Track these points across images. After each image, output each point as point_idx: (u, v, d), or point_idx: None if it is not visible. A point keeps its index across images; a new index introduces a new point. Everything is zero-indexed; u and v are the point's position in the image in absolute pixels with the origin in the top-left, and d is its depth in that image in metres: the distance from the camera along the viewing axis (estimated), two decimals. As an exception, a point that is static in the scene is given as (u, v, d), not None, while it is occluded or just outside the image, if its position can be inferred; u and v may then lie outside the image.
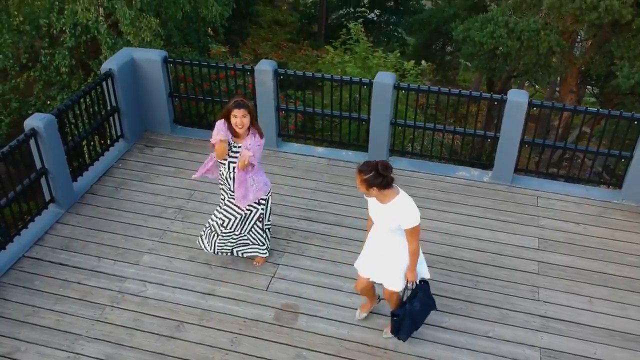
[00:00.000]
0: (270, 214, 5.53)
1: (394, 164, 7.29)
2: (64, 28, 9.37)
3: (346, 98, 8.14)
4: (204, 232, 5.53)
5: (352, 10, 25.52)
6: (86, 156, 7.12)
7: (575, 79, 15.61)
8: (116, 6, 8.98)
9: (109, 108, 7.27)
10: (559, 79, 18.88)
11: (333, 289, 5.46)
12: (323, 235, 6.17)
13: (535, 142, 6.88)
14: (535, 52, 12.68)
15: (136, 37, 9.06)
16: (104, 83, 7.07)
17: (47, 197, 6.31)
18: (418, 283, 4.62)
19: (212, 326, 5.08)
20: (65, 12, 9.19)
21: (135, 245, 5.97)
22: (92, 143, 7.19)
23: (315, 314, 5.21)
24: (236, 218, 5.32)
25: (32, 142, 5.89)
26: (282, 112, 7.57)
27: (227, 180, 5.19)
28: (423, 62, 13.59)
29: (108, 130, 7.47)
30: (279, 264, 5.77)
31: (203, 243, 5.57)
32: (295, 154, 7.54)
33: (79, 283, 5.50)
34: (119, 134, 7.52)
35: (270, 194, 5.42)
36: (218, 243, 5.49)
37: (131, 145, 7.60)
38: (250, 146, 4.99)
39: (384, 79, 6.81)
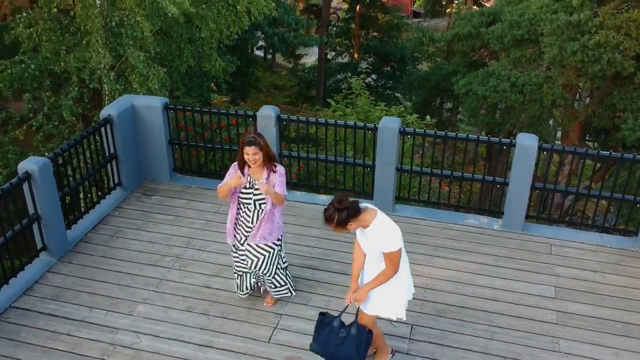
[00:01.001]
0: (284, 252, 5.50)
1: (401, 212, 7.12)
2: (70, 75, 9.30)
3: (350, 144, 7.96)
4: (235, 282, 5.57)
5: (350, 74, 25.93)
6: (82, 204, 6.87)
7: (577, 134, 15.56)
8: (128, 51, 8.94)
9: (107, 155, 7.09)
10: (560, 134, 18.89)
11: (339, 341, 5.10)
12: (328, 284, 5.86)
13: (546, 188, 6.65)
14: (538, 105, 12.65)
15: (143, 86, 8.99)
16: (102, 129, 6.92)
17: (39, 245, 6.03)
18: (364, 312, 4.35)
19: (209, 381, 4.71)
20: (73, 56, 9.15)
21: (129, 295, 5.65)
22: (89, 191, 6.96)
23: (321, 367, 4.84)
24: (258, 259, 5.21)
25: (25, 186, 5.66)
26: (285, 159, 7.38)
27: (251, 219, 5.08)
28: (428, 117, 13.54)
29: (105, 177, 7.25)
30: (281, 314, 5.43)
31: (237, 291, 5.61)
32: (298, 201, 7.30)
33: (68, 334, 5.15)
34: (116, 182, 7.31)
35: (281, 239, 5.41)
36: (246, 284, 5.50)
37: (129, 193, 7.38)
38: (269, 181, 4.95)
39: (389, 124, 6.66)
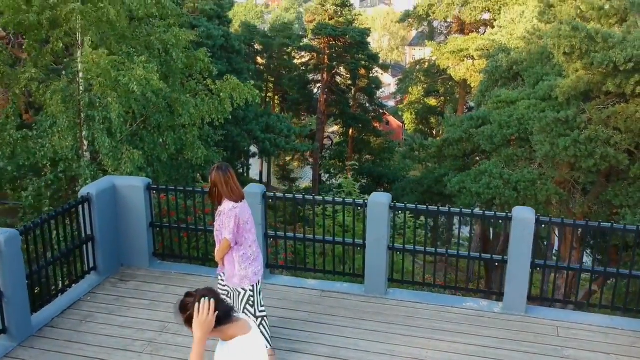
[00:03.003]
0: (261, 300, 5.18)
1: (394, 296, 6.65)
2: (43, 163, 9.18)
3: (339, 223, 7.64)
4: None
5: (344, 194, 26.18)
6: (51, 286, 6.39)
7: (575, 234, 15.26)
8: (96, 135, 8.86)
9: (83, 236, 6.72)
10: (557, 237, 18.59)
11: None
12: (315, 367, 5.30)
13: (547, 265, 6.25)
14: (533, 201, 12.48)
15: (117, 170, 8.79)
16: (80, 208, 6.61)
17: (-1, 327, 5.51)
18: None
19: None
20: (45, 147, 9.05)
21: (92, 381, 5.06)
22: (60, 273, 6.51)
23: None
24: (227, 293, 5.06)
25: (-13, 259, 5.25)
26: (271, 239, 7.02)
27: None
28: (422, 217, 13.29)
29: (80, 260, 6.83)
30: (261, 400, 4.82)
31: None
32: (285, 286, 6.84)
33: (16, 423, 4.52)
34: (91, 266, 6.87)
35: (260, 283, 5.16)
36: None
37: (104, 279, 6.92)
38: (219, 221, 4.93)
39: (379, 199, 6.39)
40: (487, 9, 37.81)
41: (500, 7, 34.46)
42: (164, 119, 10.39)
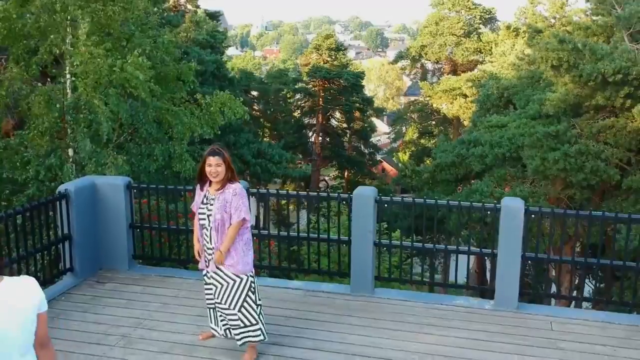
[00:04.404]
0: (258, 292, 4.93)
1: (382, 295, 6.40)
2: (27, 180, 8.99)
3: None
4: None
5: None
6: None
7: (570, 252, 15.03)
8: (77, 138, 8.70)
9: (59, 235, 6.49)
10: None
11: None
12: (299, 359, 5.03)
13: (539, 258, 6.05)
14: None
15: (99, 174, 8.59)
16: (57, 204, 6.40)
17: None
18: None
19: None
20: (31, 165, 8.89)
21: (59, 372, 4.76)
22: (33, 270, 6.26)
23: None
24: (222, 285, 4.74)
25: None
26: (256, 239, 6.80)
27: (209, 238, 4.71)
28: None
29: (55, 260, 6.59)
30: (238, 388, 4.56)
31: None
32: (269, 286, 6.59)
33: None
34: (67, 266, 6.62)
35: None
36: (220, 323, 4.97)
37: (80, 281, 6.65)
38: (228, 202, 4.59)
39: (364, 192, 6.22)
40: (478, 49, 38.43)
41: (491, 47, 34.97)
42: (153, 129, 10.28)
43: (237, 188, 4.68)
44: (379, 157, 42.90)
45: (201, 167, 4.67)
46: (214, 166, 4.54)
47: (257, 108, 36.29)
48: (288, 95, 37.50)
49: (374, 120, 41.86)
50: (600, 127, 11.17)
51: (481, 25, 40.86)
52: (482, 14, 40.34)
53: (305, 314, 5.92)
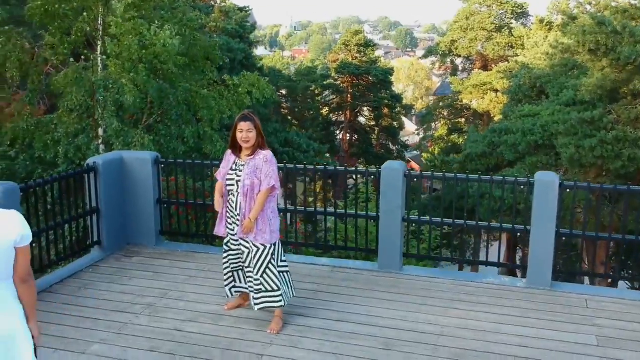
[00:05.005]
0: (283, 254, 4.92)
1: (410, 272, 6.27)
2: (57, 158, 9.09)
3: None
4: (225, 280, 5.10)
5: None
6: (52, 254, 6.17)
7: (605, 250, 14.64)
8: (105, 116, 8.77)
9: (87, 207, 6.52)
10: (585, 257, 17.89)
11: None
12: (322, 329, 4.94)
13: (573, 234, 5.85)
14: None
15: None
16: (85, 177, 6.42)
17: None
18: None
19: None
20: (61, 145, 8.97)
21: (85, 336, 4.78)
22: (63, 240, 6.29)
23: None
24: (248, 250, 4.75)
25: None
26: (281, 214, 6.73)
27: (236, 205, 4.70)
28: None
29: (84, 232, 6.62)
30: (262, 355, 4.49)
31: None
32: (294, 262, 6.51)
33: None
34: (95, 240, 6.64)
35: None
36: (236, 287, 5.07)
37: (107, 255, 6.66)
38: (259, 169, 4.58)
39: (393, 165, 6.09)
40: (510, 44, 37.71)
41: (523, 42, 34.22)
42: (183, 111, 10.31)
43: (267, 155, 4.64)
44: (407, 157, 42.48)
45: (233, 134, 4.65)
46: (245, 132, 4.52)
47: (285, 106, 36.28)
48: (316, 92, 37.36)
49: (403, 119, 41.39)
50: (639, 113, 10.83)
51: (513, 21, 40.11)
52: (514, 8, 39.60)
53: (331, 288, 5.83)
